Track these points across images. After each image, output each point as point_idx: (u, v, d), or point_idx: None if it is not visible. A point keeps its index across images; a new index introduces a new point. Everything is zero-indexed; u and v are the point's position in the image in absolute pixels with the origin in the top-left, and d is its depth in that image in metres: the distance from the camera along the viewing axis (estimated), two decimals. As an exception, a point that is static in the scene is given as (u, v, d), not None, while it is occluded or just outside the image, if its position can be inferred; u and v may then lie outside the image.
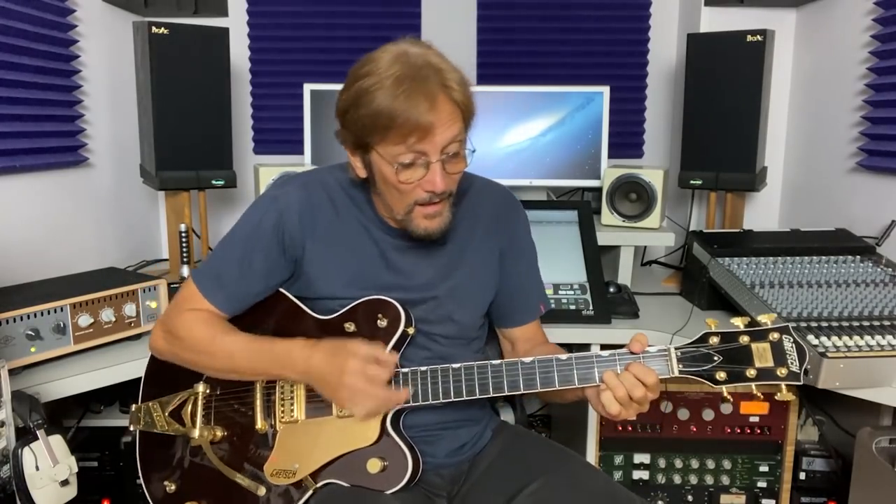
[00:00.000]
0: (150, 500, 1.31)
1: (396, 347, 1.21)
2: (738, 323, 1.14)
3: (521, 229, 1.38)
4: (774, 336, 1.11)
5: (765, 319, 1.14)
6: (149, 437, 1.34)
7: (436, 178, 1.12)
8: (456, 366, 1.18)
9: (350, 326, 1.23)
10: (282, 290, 1.29)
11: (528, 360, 1.17)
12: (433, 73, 1.10)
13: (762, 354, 1.11)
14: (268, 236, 1.23)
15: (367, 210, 1.26)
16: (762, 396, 1.12)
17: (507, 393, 1.17)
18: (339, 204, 1.26)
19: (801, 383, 1.10)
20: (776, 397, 1.12)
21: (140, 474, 1.33)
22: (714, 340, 1.13)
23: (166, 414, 1.30)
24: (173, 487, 1.29)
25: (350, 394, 1.12)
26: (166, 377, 1.33)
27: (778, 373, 1.10)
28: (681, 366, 1.12)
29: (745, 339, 1.12)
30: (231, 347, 1.22)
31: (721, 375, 1.11)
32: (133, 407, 1.35)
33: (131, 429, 1.35)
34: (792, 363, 1.10)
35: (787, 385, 1.11)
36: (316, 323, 1.26)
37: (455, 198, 1.28)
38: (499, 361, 1.18)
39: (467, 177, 1.35)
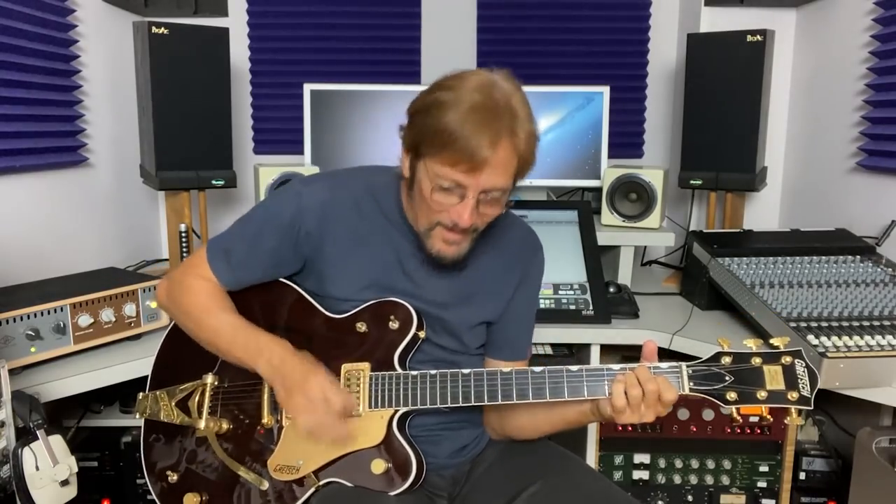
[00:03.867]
0: (151, 491, 1.31)
1: (406, 351, 1.22)
2: (752, 344, 1.14)
3: (536, 273, 1.38)
4: (787, 359, 1.11)
5: (778, 342, 1.13)
6: (153, 426, 1.33)
7: (465, 213, 1.12)
8: (465, 371, 1.18)
9: (362, 326, 1.24)
10: (296, 286, 1.30)
11: (538, 369, 1.16)
12: (509, 115, 1.09)
13: (774, 377, 1.10)
14: (284, 228, 1.24)
15: (393, 215, 1.26)
16: (771, 419, 1.11)
17: (515, 401, 1.16)
18: (363, 208, 1.26)
19: (811, 408, 1.10)
20: (786, 421, 1.12)
21: (142, 464, 1.33)
22: (726, 360, 1.12)
23: (173, 403, 1.31)
24: (175, 478, 1.29)
25: (304, 402, 1.13)
26: (176, 367, 1.34)
27: (789, 396, 1.09)
28: (691, 383, 1.12)
29: (757, 360, 1.11)
30: (218, 325, 1.24)
31: (731, 396, 1.10)
32: (140, 395, 1.35)
33: (136, 417, 1.35)
34: (803, 387, 1.09)
35: (796, 409, 1.10)
36: (327, 321, 1.26)
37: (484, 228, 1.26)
38: (509, 369, 1.18)
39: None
